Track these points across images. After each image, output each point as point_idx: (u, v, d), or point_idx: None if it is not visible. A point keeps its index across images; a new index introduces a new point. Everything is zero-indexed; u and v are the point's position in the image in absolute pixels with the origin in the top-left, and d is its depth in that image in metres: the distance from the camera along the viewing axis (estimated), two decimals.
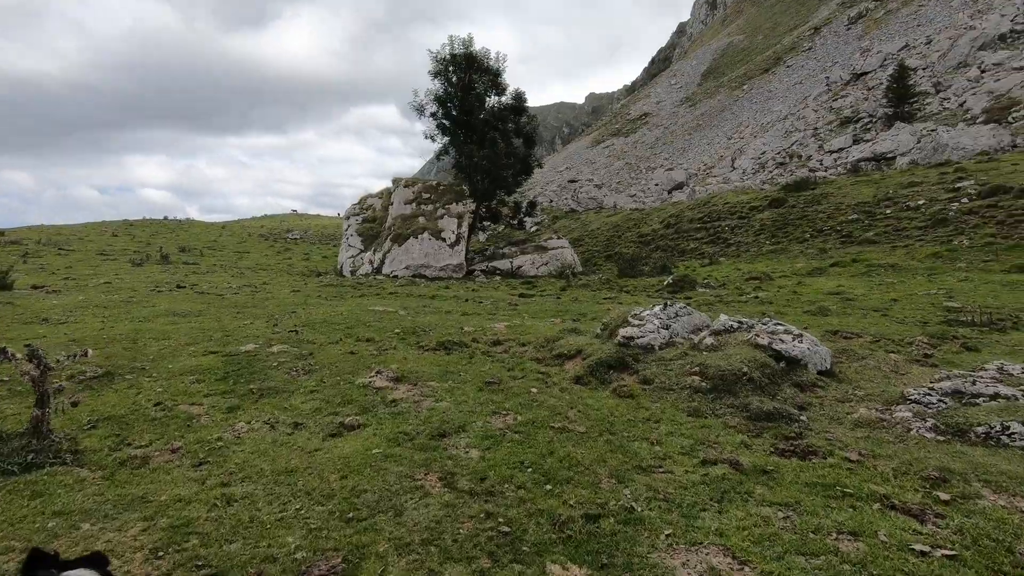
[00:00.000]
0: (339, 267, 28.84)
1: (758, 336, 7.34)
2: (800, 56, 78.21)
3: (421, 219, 28.38)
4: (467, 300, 15.80)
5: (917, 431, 5.69)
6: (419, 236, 27.30)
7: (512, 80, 30.97)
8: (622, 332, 8.04)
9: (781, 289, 18.33)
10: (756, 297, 16.93)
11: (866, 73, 63.88)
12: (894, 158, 44.50)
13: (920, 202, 24.68)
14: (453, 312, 13.53)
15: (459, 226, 27.99)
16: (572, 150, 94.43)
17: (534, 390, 6.89)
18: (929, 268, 18.85)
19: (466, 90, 29.59)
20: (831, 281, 18.83)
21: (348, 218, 30.66)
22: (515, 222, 33.95)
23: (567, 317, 13.15)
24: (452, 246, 27.16)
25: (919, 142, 44.34)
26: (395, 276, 26.31)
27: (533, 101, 31.99)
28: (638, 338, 7.87)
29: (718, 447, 5.32)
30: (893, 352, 9.68)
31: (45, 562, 1.95)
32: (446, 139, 30.95)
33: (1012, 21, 57.06)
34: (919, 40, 65.20)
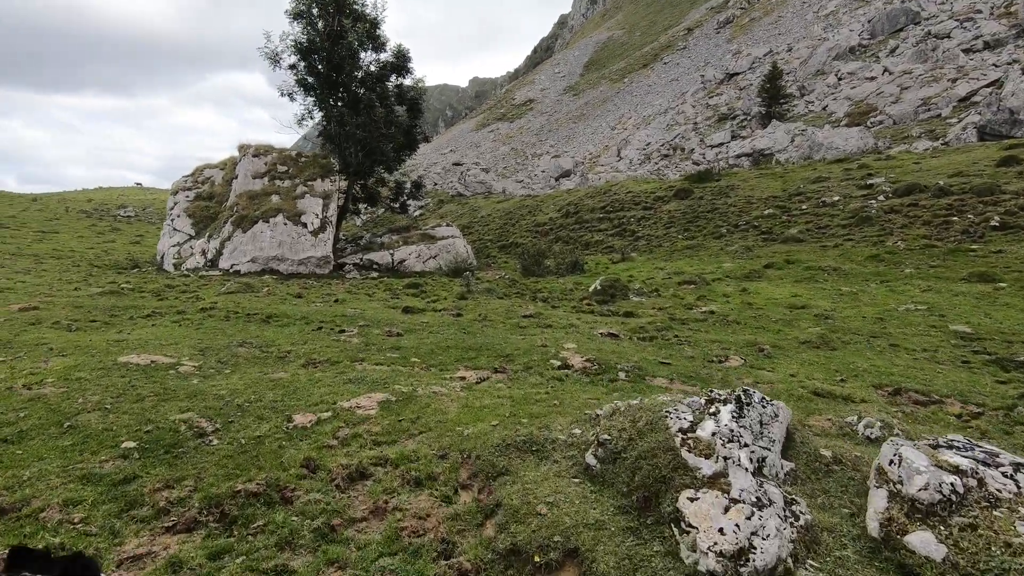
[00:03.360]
0: (159, 258, 20.91)
1: None
2: (676, 54, 78.33)
3: (275, 198, 21.28)
4: (321, 326, 9.78)
5: None
6: (271, 220, 20.27)
7: (393, 40, 24.54)
8: (702, 529, 2.83)
9: (728, 299, 14.38)
10: (711, 312, 12.71)
11: (738, 74, 64.60)
12: (772, 154, 44.06)
13: (835, 198, 22.35)
14: (291, 356, 7.60)
15: (325, 208, 21.31)
16: (456, 132, 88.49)
17: None
18: (876, 273, 15.93)
19: (335, 40, 22.73)
20: (780, 288, 15.25)
21: (175, 193, 22.58)
22: (396, 205, 27.70)
23: (483, 362, 7.79)
24: (316, 233, 20.48)
25: (793, 140, 44.25)
26: (236, 272, 19.18)
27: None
28: (751, 552, 2.70)
29: None
30: None
31: (30, 559, 1.71)
32: (310, 99, 23.88)
33: (860, 36, 59.97)
34: (781, 47, 67.17)
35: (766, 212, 23.07)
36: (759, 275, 16.98)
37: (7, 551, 1.83)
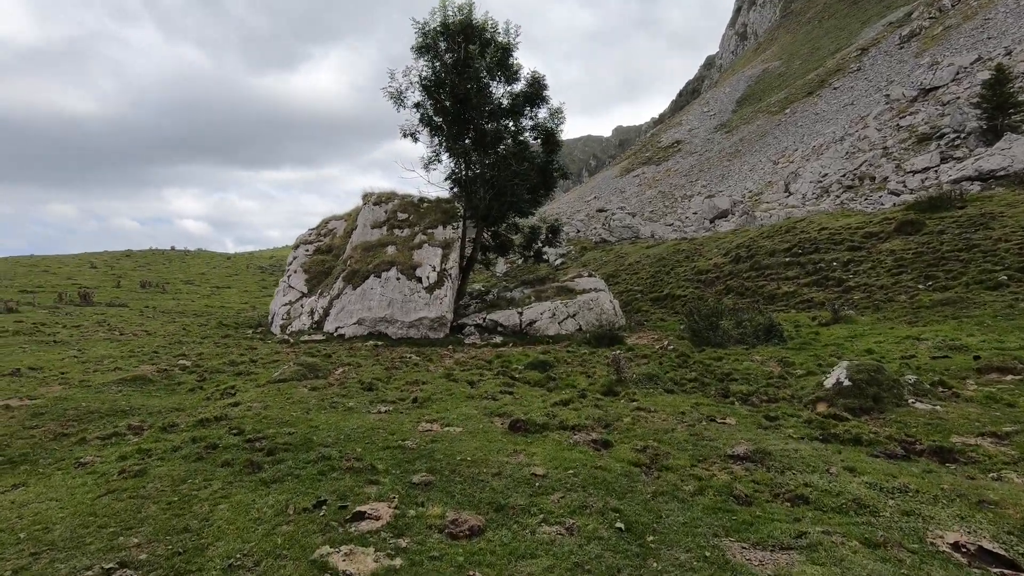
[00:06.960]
0: (269, 319, 18.37)
1: None
2: (848, 77, 66.70)
3: (391, 249, 17.83)
4: (334, 490, 4.93)
5: None
6: (384, 275, 16.71)
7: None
8: None
9: None
10: None
11: (937, 88, 51.99)
12: (1006, 176, 32.52)
13: None
14: None
15: (444, 260, 17.31)
16: (599, 180, 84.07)
17: None
18: None
19: (461, 70, 19.20)
20: None
21: (296, 248, 20.32)
22: (530, 254, 23.16)
23: None
24: (431, 289, 16.46)
25: None
26: (341, 335, 15.70)
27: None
28: None
29: None
30: None
31: None
32: (436, 140, 20.48)
33: None
34: (995, 52, 53.16)
35: None
36: None
37: None
